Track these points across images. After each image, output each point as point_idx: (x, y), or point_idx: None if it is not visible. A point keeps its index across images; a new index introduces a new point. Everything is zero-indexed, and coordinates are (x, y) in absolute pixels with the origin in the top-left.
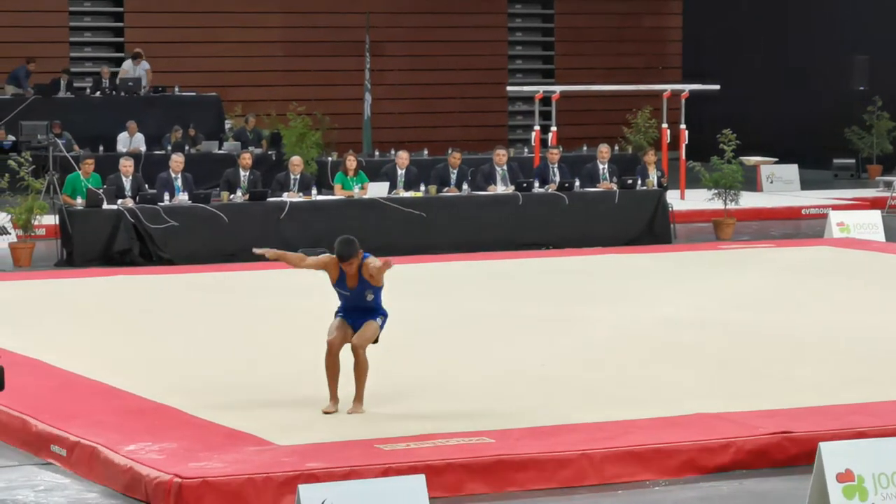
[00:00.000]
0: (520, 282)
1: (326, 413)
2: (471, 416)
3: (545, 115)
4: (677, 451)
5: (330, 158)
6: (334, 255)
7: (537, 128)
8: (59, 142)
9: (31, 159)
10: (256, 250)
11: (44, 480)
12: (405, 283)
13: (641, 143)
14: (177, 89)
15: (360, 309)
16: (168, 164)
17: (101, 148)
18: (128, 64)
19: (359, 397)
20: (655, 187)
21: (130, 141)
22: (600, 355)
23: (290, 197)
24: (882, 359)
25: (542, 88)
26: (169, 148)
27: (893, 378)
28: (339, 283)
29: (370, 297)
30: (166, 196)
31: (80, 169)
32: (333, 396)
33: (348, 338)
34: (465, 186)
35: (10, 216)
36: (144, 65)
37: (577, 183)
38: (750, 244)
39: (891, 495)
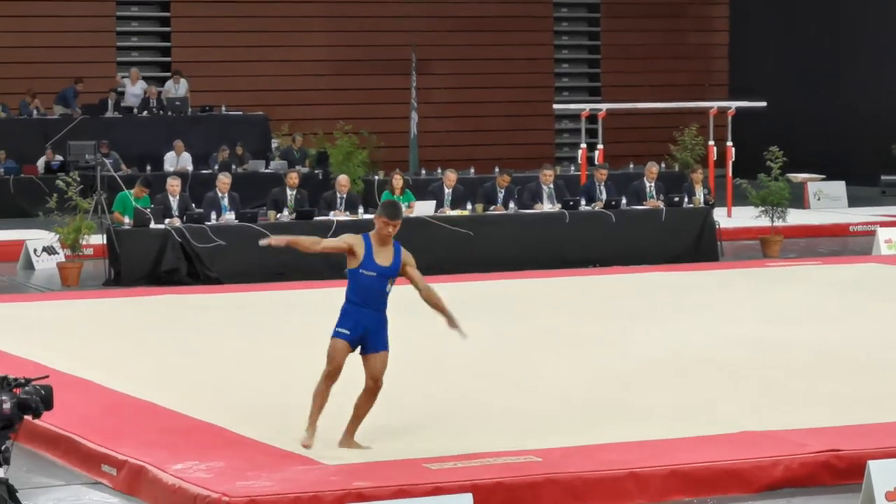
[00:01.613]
0: (566, 300)
1: (306, 447)
2: (517, 435)
3: (591, 133)
4: (724, 470)
5: (376, 177)
6: (358, 235)
7: (584, 145)
8: (106, 161)
9: (78, 179)
10: (262, 242)
11: (92, 500)
12: (451, 301)
13: (688, 160)
14: (223, 108)
15: (372, 304)
16: (215, 184)
17: (147, 167)
18: (169, 84)
19: (353, 431)
20: (702, 205)
21: (177, 160)
22: (646, 373)
23: (337, 216)
24: None
25: (588, 106)
26: (216, 167)
27: None
28: (367, 260)
29: (389, 287)
30: (213, 215)
31: (129, 190)
32: (313, 425)
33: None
34: (511, 205)
35: (58, 236)
36: (184, 83)
37: (624, 201)
38: (797, 261)
39: None
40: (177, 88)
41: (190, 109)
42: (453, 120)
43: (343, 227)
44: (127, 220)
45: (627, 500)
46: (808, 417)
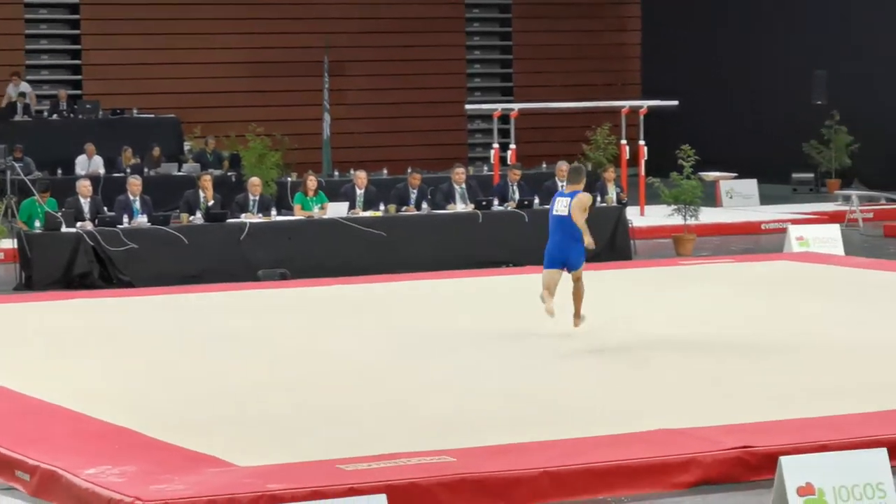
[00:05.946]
0: (480, 300)
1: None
2: (432, 436)
3: (504, 133)
4: (639, 468)
5: (290, 179)
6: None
7: (496, 146)
8: (16, 165)
9: None
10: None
11: None
12: (366, 303)
13: (601, 159)
14: (135, 111)
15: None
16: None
17: (59, 171)
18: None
19: (578, 313)
20: (615, 204)
21: (89, 164)
22: (563, 372)
23: (250, 218)
24: (843, 372)
25: (500, 106)
26: (127, 170)
27: (855, 391)
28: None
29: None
30: (125, 218)
31: (36, 196)
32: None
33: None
34: (424, 205)
35: None
36: (25, 86)
37: (537, 200)
38: (710, 259)
39: None
40: (16, 89)
41: (101, 112)
42: (367, 121)
43: (256, 230)
44: (37, 225)
45: (541, 499)
46: (721, 414)
